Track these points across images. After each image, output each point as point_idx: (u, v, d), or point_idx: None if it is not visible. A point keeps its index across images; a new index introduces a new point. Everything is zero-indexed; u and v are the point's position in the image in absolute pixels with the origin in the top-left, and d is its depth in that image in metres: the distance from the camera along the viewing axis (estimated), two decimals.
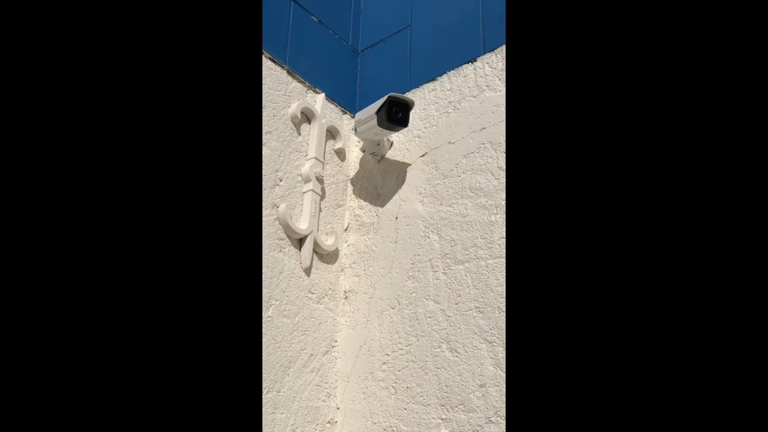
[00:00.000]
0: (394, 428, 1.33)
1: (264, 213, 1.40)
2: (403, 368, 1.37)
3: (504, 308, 1.25)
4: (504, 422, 1.18)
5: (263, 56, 1.51)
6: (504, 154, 1.40)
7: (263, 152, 1.44)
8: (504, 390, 1.19)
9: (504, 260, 1.31)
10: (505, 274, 1.28)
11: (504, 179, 1.38)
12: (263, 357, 1.31)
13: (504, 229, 1.33)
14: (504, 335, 1.23)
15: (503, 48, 1.49)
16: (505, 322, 1.24)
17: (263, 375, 1.31)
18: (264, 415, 1.28)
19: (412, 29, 1.74)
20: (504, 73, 1.47)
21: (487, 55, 1.51)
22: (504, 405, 1.18)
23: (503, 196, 1.36)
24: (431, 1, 1.75)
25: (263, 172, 1.43)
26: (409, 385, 1.35)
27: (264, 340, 1.33)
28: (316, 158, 1.54)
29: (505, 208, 1.35)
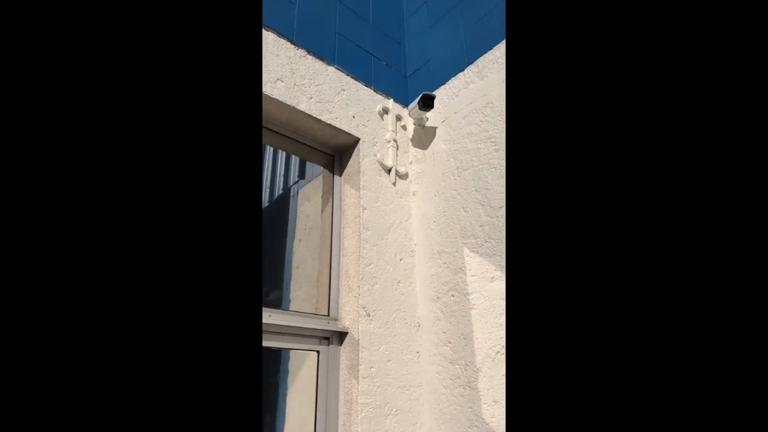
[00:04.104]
0: None
1: (370, 159, 2.81)
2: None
3: None
4: None
5: (359, 84, 2.92)
6: (491, 111, 2.49)
7: (366, 131, 2.85)
8: None
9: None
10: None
11: (487, 125, 2.48)
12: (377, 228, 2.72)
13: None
14: None
15: (481, 59, 2.69)
16: None
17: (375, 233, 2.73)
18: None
19: (431, 62, 2.91)
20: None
21: (470, 66, 2.70)
22: None
23: (486, 136, 2.44)
24: (444, 35, 2.84)
25: (370, 140, 2.82)
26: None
27: (375, 218, 2.75)
28: (392, 131, 2.86)
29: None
